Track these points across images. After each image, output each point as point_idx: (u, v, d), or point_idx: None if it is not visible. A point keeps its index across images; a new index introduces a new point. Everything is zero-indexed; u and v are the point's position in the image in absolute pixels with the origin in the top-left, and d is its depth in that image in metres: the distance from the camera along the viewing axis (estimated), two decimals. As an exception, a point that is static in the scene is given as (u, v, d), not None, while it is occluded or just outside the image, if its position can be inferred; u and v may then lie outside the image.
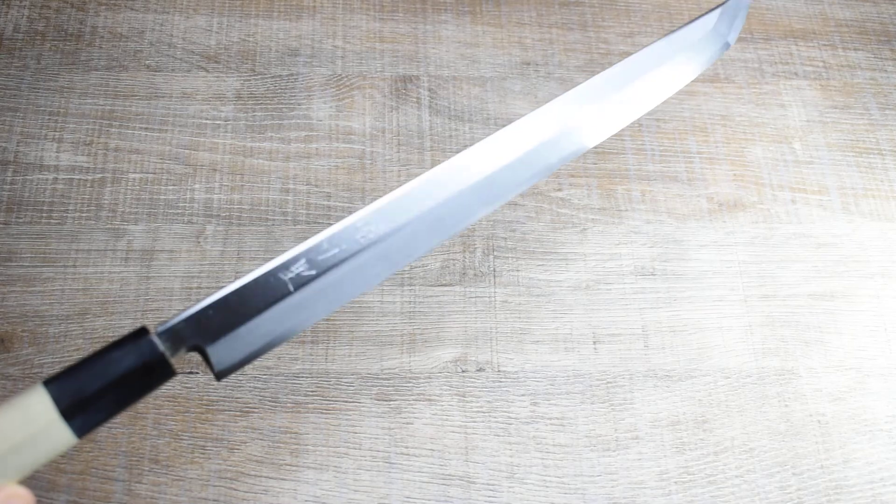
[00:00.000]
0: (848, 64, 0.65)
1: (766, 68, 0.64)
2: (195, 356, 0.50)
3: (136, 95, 0.59)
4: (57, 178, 0.55)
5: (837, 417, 0.52)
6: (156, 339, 0.25)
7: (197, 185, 0.56)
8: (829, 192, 0.59)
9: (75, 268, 0.53)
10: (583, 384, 0.52)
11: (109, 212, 0.55)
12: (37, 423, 0.22)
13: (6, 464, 0.22)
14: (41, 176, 0.55)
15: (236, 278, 0.27)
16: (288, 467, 0.48)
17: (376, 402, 0.50)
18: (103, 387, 0.24)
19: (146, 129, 0.58)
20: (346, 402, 0.50)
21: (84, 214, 0.54)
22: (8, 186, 0.55)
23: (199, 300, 0.27)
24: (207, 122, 0.58)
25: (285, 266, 0.27)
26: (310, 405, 0.50)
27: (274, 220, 0.55)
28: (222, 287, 0.27)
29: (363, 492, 0.48)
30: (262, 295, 0.27)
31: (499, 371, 0.52)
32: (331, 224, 0.28)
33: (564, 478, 0.49)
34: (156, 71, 0.60)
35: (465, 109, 0.60)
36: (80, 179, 0.56)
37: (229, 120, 0.59)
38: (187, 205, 0.55)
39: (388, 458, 0.49)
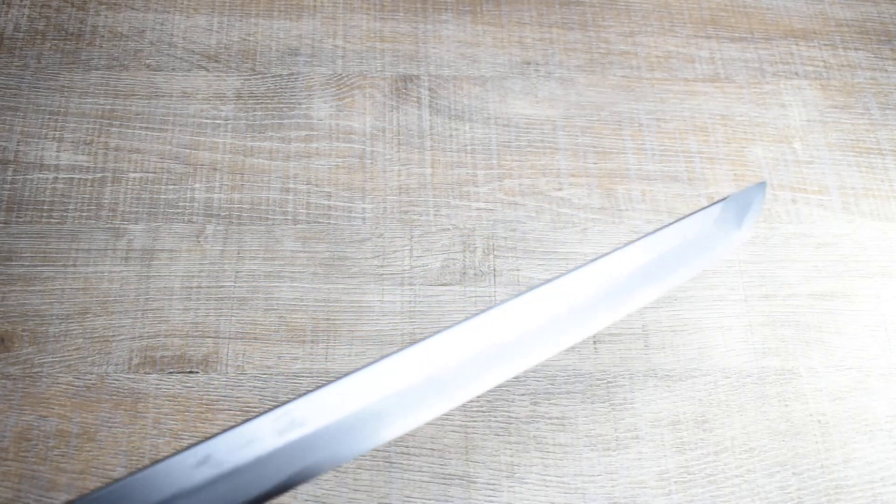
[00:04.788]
0: (848, 64, 0.65)
1: (766, 68, 0.64)
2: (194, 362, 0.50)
3: (137, 95, 0.59)
4: (57, 178, 0.55)
5: (837, 417, 0.52)
6: None
7: (197, 185, 0.56)
8: (829, 192, 0.59)
9: (75, 267, 0.53)
10: (583, 384, 0.52)
11: (109, 211, 0.55)
12: None
13: None
14: (41, 175, 0.55)
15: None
16: (288, 467, 0.48)
17: (376, 401, 0.50)
18: None
19: (146, 128, 0.58)
20: (346, 401, 0.50)
21: (84, 214, 0.54)
22: (8, 186, 0.55)
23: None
24: (208, 121, 0.58)
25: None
26: (310, 405, 0.50)
27: (274, 219, 0.55)
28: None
29: (363, 491, 0.48)
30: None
31: (499, 371, 0.52)
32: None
33: (564, 477, 0.49)
34: (156, 70, 0.60)
35: (466, 109, 0.60)
36: (80, 179, 0.56)
37: (229, 119, 0.58)
38: (187, 204, 0.55)
39: (388, 457, 0.49)
